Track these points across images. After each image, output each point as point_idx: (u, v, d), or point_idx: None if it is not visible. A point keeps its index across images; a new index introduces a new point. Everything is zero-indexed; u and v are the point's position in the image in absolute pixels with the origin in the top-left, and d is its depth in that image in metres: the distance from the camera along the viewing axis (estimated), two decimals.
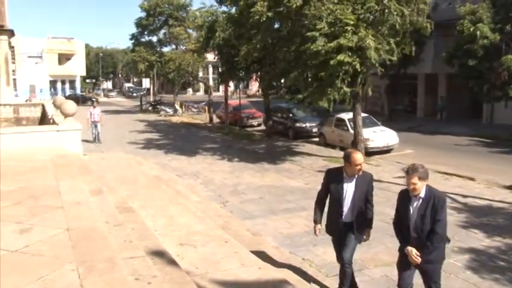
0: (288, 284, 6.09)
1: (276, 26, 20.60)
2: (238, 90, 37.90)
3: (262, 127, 31.58)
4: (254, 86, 55.70)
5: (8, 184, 8.08)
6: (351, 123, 21.20)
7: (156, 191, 10.63)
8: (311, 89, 18.53)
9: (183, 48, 48.89)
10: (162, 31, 50.64)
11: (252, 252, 6.95)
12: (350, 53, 16.89)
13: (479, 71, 23.77)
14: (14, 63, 53.40)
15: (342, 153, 20.27)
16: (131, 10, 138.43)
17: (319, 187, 6.94)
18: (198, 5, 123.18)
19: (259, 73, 26.96)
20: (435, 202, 5.49)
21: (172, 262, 5.58)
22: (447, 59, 25.74)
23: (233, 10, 25.58)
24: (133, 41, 51.82)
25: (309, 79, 18.70)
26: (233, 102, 37.51)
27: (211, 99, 41.42)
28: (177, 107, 46.95)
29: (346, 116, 22.67)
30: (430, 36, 22.40)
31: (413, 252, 5.63)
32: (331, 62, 16.77)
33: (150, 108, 52.43)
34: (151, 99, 58.86)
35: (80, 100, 57.51)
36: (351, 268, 6.60)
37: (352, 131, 20.88)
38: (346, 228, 6.55)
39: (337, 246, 6.72)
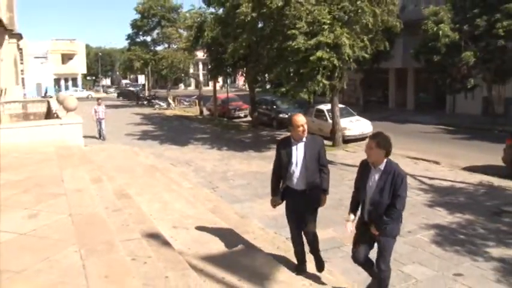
0: (272, 260, 6.15)
1: (260, 25, 20.56)
2: (226, 85, 37.77)
3: (249, 118, 31.54)
4: (240, 81, 55.61)
5: (17, 174, 8.08)
6: (330, 113, 21.32)
7: (151, 178, 10.64)
8: (293, 83, 18.58)
9: (175, 47, 48.58)
10: (156, 31, 50.28)
11: (240, 233, 7.00)
12: (328, 50, 16.96)
13: (442, 66, 24.15)
14: (22, 63, 52.95)
15: None
16: (127, 12, 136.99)
17: None
18: (188, 7, 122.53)
19: (245, 69, 26.94)
20: (395, 176, 4.92)
21: (166, 243, 5.61)
22: (414, 55, 26.04)
23: (220, 11, 25.46)
24: (129, 41, 51.50)
25: (291, 74, 18.72)
26: (221, 95, 37.41)
27: (201, 93, 41.25)
28: (170, 101, 46.71)
29: (325, 107, 22.72)
30: (399, 34, 22.56)
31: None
32: (311, 58, 16.84)
33: (145, 102, 52.14)
34: (147, 94, 58.56)
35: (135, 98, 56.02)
36: (316, 237, 6.04)
37: (330, 121, 21.02)
38: (300, 197, 5.76)
39: (293, 215, 5.95)
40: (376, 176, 5.02)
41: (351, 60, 17.83)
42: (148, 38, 51.32)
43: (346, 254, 7.96)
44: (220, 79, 35.96)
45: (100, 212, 6.07)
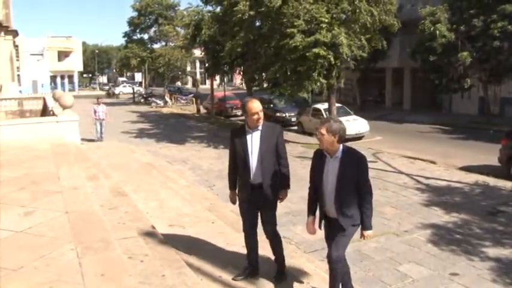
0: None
1: (257, 23, 20.54)
2: (223, 83, 37.78)
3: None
4: (238, 79, 55.62)
5: (13, 171, 8.07)
6: (327, 112, 21.35)
7: (147, 176, 10.62)
8: (290, 82, 18.63)
9: (172, 44, 48.63)
10: (153, 29, 50.37)
11: (237, 232, 6.99)
12: (325, 48, 16.99)
13: (438, 66, 24.26)
14: (18, 60, 52.87)
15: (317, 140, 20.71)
16: (124, 10, 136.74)
17: (298, 172, 6.83)
18: (186, 4, 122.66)
19: (242, 67, 26.92)
20: (355, 162, 4.50)
21: (162, 242, 5.60)
22: (411, 54, 26.16)
23: (218, 9, 25.38)
24: (126, 38, 51.52)
25: (288, 72, 18.74)
26: (218, 93, 37.37)
27: (198, 91, 41.23)
28: (167, 99, 46.66)
29: (322, 106, 22.75)
30: (396, 34, 22.63)
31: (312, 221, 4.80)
32: (308, 54, 16.88)
33: (142, 100, 52.06)
34: (143, 92, 58.50)
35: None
36: (279, 239, 5.36)
37: None
38: (257, 191, 5.07)
39: (247, 212, 5.24)
40: (335, 166, 4.51)
41: (349, 59, 17.85)
42: (146, 36, 51.45)
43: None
44: (217, 77, 35.90)
45: (96, 209, 6.05)
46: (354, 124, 21.73)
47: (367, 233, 4.66)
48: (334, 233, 4.70)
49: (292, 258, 6.49)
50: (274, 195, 5.15)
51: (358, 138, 21.20)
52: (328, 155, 4.53)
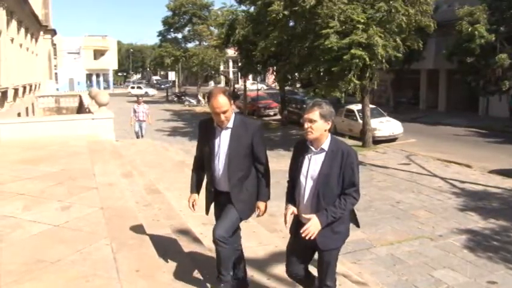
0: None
1: (291, 23, 20.54)
2: (256, 83, 37.84)
3: (278, 117, 31.54)
4: (270, 79, 55.63)
5: (51, 166, 8.26)
6: (360, 113, 21.23)
7: (181, 174, 10.68)
8: (324, 82, 18.57)
9: (206, 44, 48.95)
10: (187, 28, 50.78)
11: (269, 231, 6.98)
12: (360, 49, 16.85)
13: (476, 68, 23.73)
14: (55, 59, 54.20)
15: (351, 141, 20.52)
16: (159, 10, 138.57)
17: None
18: (220, 4, 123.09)
19: (275, 67, 26.92)
20: (344, 158, 3.60)
21: (196, 240, 5.63)
22: (447, 56, 25.67)
23: (252, 9, 25.51)
24: (160, 37, 52.18)
25: (321, 73, 18.67)
26: (251, 93, 37.46)
27: (230, 90, 41.41)
28: (200, 98, 47.02)
29: (355, 107, 22.60)
30: (432, 35, 22.24)
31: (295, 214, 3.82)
32: (345, 57, 16.81)
33: (175, 99, 52.61)
34: (177, 91, 59.12)
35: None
36: (228, 247, 4.09)
37: (360, 121, 20.88)
38: (224, 200, 4.16)
39: (216, 217, 4.31)
40: (319, 159, 3.66)
41: (384, 60, 17.65)
42: (180, 35, 51.96)
43: (376, 256, 7.91)
44: (250, 77, 36.01)
45: (131, 206, 6.13)
46: (388, 126, 21.51)
47: (314, 221, 3.59)
48: (306, 249, 3.84)
49: None
50: (247, 207, 4.20)
51: (391, 140, 21.01)
52: (312, 147, 3.69)
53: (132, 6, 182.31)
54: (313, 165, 3.68)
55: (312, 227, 3.56)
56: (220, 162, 4.09)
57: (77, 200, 6.17)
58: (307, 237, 3.58)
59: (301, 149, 3.80)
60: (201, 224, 6.30)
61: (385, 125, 21.52)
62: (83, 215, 5.59)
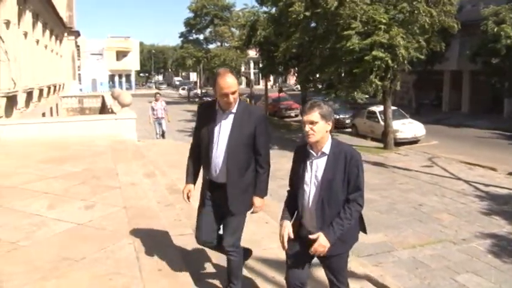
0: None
1: (313, 25, 20.51)
2: (277, 84, 37.89)
3: (299, 118, 31.49)
4: (291, 80, 55.60)
5: (75, 166, 8.39)
6: (382, 115, 21.09)
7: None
8: (345, 84, 18.52)
9: (227, 45, 49.17)
10: (208, 30, 51.15)
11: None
12: (382, 50, 16.75)
13: (501, 69, 23.31)
14: (79, 60, 55.01)
15: (373, 143, 20.37)
16: (180, 11, 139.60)
17: None
18: (241, 5, 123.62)
19: (296, 68, 26.91)
20: (347, 160, 3.35)
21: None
22: (471, 57, 25.34)
23: (273, 10, 25.56)
24: (182, 38, 52.64)
25: (343, 74, 18.61)
26: (272, 94, 37.49)
27: (252, 91, 41.48)
28: None
29: (377, 108, 22.47)
30: (455, 35, 21.96)
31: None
32: (366, 58, 16.72)
33: (196, 99, 52.91)
34: (198, 92, 59.44)
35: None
36: (239, 257, 4.06)
37: (382, 123, 20.73)
38: (220, 192, 3.87)
39: (203, 217, 4.05)
40: (321, 164, 3.41)
41: (406, 61, 17.50)
42: (201, 36, 52.37)
43: (398, 259, 7.84)
44: (271, 78, 36.06)
45: (153, 206, 6.19)
46: (410, 127, 21.34)
47: (322, 239, 3.34)
48: (307, 254, 3.49)
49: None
50: (244, 203, 3.94)
51: (414, 142, 20.84)
52: (312, 152, 3.44)
53: (154, 8, 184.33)
54: (315, 171, 3.43)
55: (320, 247, 3.34)
56: (219, 151, 3.80)
57: (100, 199, 6.25)
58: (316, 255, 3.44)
59: (301, 154, 3.54)
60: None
61: (407, 127, 21.34)
62: (106, 214, 5.67)
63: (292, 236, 3.50)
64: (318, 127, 3.31)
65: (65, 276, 4.01)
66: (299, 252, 3.57)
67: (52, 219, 5.48)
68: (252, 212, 4.03)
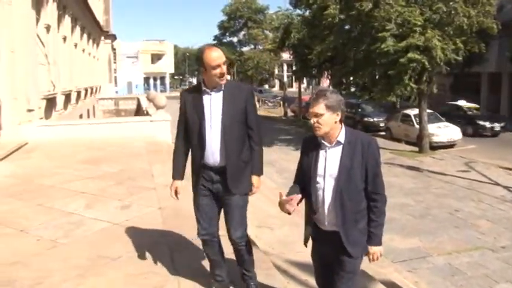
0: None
1: (347, 27, 20.37)
2: (311, 87, 37.83)
3: None
4: (325, 83, 55.30)
5: (112, 166, 8.56)
6: (416, 118, 20.73)
7: None
8: (380, 87, 18.30)
9: (261, 48, 49.33)
10: (242, 33, 51.46)
11: None
12: (418, 52, 16.50)
13: None
14: (115, 63, 56.08)
15: (407, 147, 20.05)
16: (214, 14, 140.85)
17: (388, 179, 6.29)
18: (275, 8, 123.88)
19: (330, 71, 26.77)
20: (364, 148, 3.07)
21: (251, 242, 5.66)
22: (511, 58, 24.58)
23: (307, 13, 25.48)
24: (216, 41, 52.98)
25: (377, 77, 18.41)
26: (306, 97, 37.38)
27: (285, 94, 41.46)
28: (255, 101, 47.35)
29: (412, 111, 22.11)
30: (494, 36, 21.38)
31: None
32: (401, 60, 16.49)
33: None
34: None
35: None
36: (247, 246, 3.87)
37: (417, 126, 20.39)
38: (218, 177, 3.62)
39: (200, 204, 3.77)
40: (336, 154, 3.09)
41: (442, 63, 17.17)
42: (235, 39, 52.66)
43: (433, 265, 7.70)
44: (304, 80, 35.99)
45: (187, 206, 6.24)
46: (446, 131, 20.96)
47: (374, 249, 3.16)
48: (330, 261, 3.24)
49: (380, 268, 6.36)
50: (244, 184, 3.69)
51: (450, 146, 20.44)
52: (324, 142, 3.12)
53: (189, 11, 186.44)
54: (330, 161, 3.10)
55: (375, 255, 3.16)
56: (213, 132, 3.53)
57: (136, 200, 6.37)
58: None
59: (311, 145, 3.21)
60: (255, 227, 6.36)
61: (443, 131, 20.94)
62: (141, 214, 5.77)
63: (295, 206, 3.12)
64: (324, 119, 3.02)
65: (101, 274, 4.10)
66: (322, 255, 3.34)
67: (89, 218, 5.61)
68: (251, 194, 3.77)
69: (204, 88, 3.54)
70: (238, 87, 3.65)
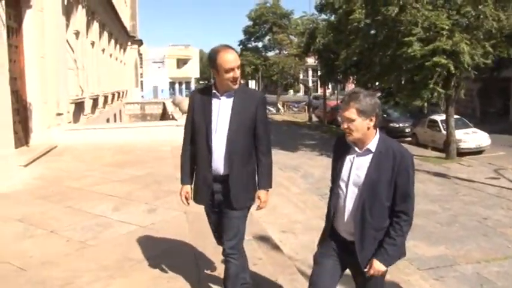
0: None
1: (373, 32, 20.24)
2: (336, 92, 37.69)
3: None
4: (350, 88, 55.07)
5: (138, 170, 8.69)
6: (443, 124, 20.44)
7: None
8: (406, 92, 18.11)
9: (286, 52, 49.33)
10: (267, 37, 51.45)
11: None
12: (445, 56, 16.27)
13: None
14: (141, 67, 56.79)
15: (434, 153, 19.77)
16: (240, 19, 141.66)
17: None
18: (300, 13, 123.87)
19: (356, 76, 26.63)
20: (396, 160, 2.77)
21: (275, 247, 5.68)
22: None
23: (332, 18, 25.42)
24: (241, 46, 53.16)
25: (403, 82, 18.22)
26: (331, 102, 37.25)
27: (311, 99, 41.39)
28: (280, 106, 47.35)
29: (439, 117, 21.82)
30: None
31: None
32: (427, 64, 16.25)
33: None
34: None
35: None
36: (239, 262, 3.61)
37: (444, 132, 20.10)
38: (220, 186, 3.45)
39: (211, 219, 3.78)
40: (364, 163, 2.85)
41: (470, 68, 16.88)
42: (260, 44, 52.73)
43: (460, 274, 7.58)
44: (329, 86, 35.87)
45: None
46: (474, 137, 20.60)
47: (378, 266, 2.88)
48: (338, 260, 3.08)
49: (405, 275, 6.30)
50: (247, 197, 3.50)
51: (478, 152, 20.08)
52: (355, 147, 2.90)
53: (215, 16, 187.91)
54: (356, 169, 2.87)
55: (376, 272, 2.89)
56: (219, 138, 3.34)
57: (162, 203, 6.45)
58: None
59: (342, 146, 2.98)
60: (280, 232, 6.37)
61: (471, 137, 20.60)
62: (167, 218, 5.85)
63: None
64: (356, 125, 2.77)
65: (128, 276, 4.19)
66: (329, 256, 3.13)
67: (117, 220, 5.71)
68: (257, 209, 3.56)
69: (214, 91, 3.37)
70: (250, 93, 3.50)
